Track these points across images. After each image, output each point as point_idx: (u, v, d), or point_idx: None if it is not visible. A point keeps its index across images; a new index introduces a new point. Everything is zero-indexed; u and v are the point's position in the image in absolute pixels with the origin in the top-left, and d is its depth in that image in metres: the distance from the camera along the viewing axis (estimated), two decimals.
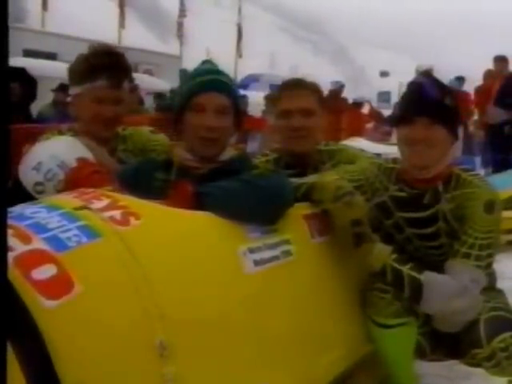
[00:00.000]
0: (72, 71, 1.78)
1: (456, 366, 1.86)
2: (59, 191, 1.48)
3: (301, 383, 1.37)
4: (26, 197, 1.45)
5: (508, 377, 1.53)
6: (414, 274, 1.50)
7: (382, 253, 1.52)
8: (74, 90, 1.78)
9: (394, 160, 1.67)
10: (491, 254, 1.50)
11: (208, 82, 1.48)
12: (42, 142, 1.66)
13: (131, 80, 1.87)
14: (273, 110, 1.93)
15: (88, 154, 1.59)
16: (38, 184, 1.53)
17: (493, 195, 1.53)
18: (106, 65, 1.73)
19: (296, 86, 1.85)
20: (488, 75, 6.92)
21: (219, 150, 1.49)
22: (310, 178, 1.59)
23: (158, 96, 8.22)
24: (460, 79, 7.78)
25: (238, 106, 1.54)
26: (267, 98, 7.20)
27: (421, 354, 1.64)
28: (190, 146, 1.49)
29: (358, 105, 9.11)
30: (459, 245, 1.50)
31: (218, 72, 1.52)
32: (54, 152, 1.56)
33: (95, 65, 1.72)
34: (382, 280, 1.53)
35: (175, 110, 1.52)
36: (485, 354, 1.46)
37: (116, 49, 1.85)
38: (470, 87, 7.66)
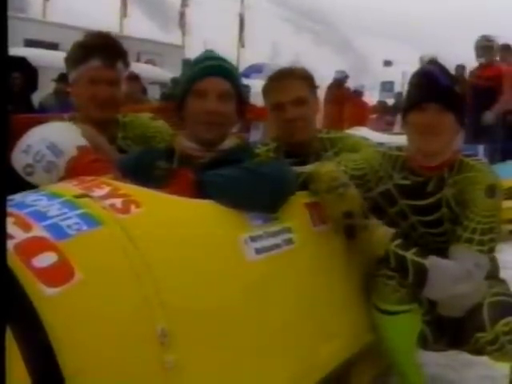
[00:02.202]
0: (68, 58, 1.80)
1: (459, 355, 1.86)
2: (48, 172, 1.47)
3: (302, 371, 1.37)
4: (19, 183, 1.45)
5: (511, 361, 1.53)
6: (418, 259, 1.50)
7: (382, 238, 1.52)
8: (71, 76, 1.79)
9: (399, 148, 1.67)
10: (493, 239, 1.50)
11: (210, 67, 1.47)
12: (34, 127, 1.66)
13: (127, 64, 1.86)
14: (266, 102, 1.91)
15: (81, 139, 1.58)
16: (27, 166, 1.53)
17: (494, 179, 1.53)
18: (98, 45, 1.74)
19: (284, 77, 1.82)
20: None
21: (221, 136, 1.48)
22: (309, 167, 1.59)
23: (164, 86, 8.20)
24: (461, 67, 7.72)
25: (240, 93, 1.52)
26: None
27: (424, 343, 1.64)
28: (192, 131, 1.49)
29: (358, 93, 9.06)
30: (461, 230, 1.50)
31: (220, 58, 1.51)
32: (43, 134, 1.56)
33: (88, 46, 1.74)
34: (387, 266, 1.53)
35: (177, 96, 1.51)
36: (488, 337, 1.47)
37: (110, 34, 1.85)
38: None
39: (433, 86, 1.51)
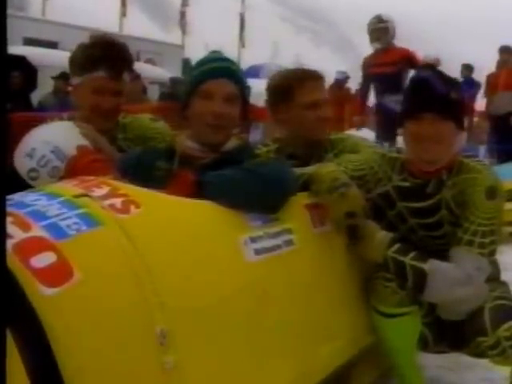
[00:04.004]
0: (72, 61, 1.78)
1: (459, 358, 1.85)
2: (53, 177, 1.47)
3: (301, 373, 1.36)
4: (22, 184, 1.44)
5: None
6: (416, 263, 1.49)
7: (380, 245, 1.52)
8: (74, 80, 1.77)
9: (398, 150, 1.67)
10: (494, 241, 1.49)
11: (217, 68, 1.46)
12: (35, 128, 1.65)
13: (132, 71, 1.85)
14: (281, 101, 1.88)
15: (83, 140, 1.58)
16: (31, 170, 1.52)
17: (494, 181, 1.53)
18: (105, 56, 1.71)
19: (315, 77, 1.85)
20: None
21: (225, 138, 1.48)
22: (310, 169, 1.58)
23: (163, 85, 8.19)
24: (468, 67, 7.68)
25: (245, 96, 1.52)
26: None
27: (424, 345, 1.64)
28: (195, 133, 1.48)
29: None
30: (462, 232, 1.50)
31: (228, 60, 1.51)
32: (47, 138, 1.55)
33: (95, 56, 1.71)
34: (386, 269, 1.53)
35: (182, 95, 1.51)
36: (489, 342, 1.46)
37: (117, 39, 1.83)
38: (477, 75, 7.57)
39: (428, 94, 1.49)
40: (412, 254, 1.50)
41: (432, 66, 1.63)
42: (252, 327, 1.23)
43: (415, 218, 1.60)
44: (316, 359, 1.41)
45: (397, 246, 1.52)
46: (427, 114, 1.49)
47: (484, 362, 1.59)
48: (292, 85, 1.83)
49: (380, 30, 4.90)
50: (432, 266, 1.48)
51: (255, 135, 6.15)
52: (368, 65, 5.19)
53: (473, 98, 7.60)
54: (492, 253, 1.50)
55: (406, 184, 1.60)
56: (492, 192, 1.49)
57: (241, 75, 1.53)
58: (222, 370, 1.15)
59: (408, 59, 4.91)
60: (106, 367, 0.96)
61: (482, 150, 7.14)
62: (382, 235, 1.53)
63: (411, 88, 1.58)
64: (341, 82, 8.27)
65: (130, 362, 1.00)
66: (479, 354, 1.53)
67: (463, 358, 1.77)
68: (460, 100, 1.54)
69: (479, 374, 1.95)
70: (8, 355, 0.75)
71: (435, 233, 1.59)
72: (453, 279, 1.45)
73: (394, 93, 4.65)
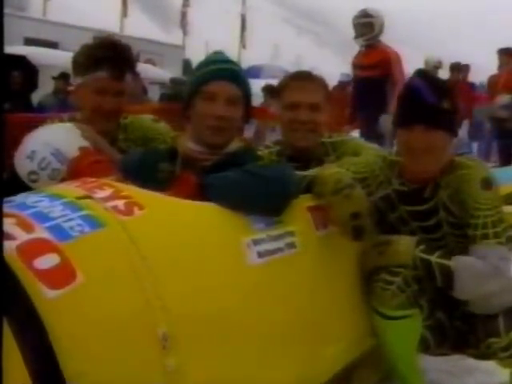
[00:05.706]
0: (75, 61, 1.78)
1: (460, 362, 1.85)
2: (53, 179, 1.46)
3: (304, 375, 1.36)
4: (23, 187, 1.44)
5: None
6: (442, 261, 1.49)
7: (409, 247, 1.52)
8: (76, 80, 1.77)
9: (398, 153, 1.67)
10: (506, 228, 1.49)
11: (221, 70, 1.46)
12: (36, 130, 1.64)
13: (135, 73, 1.85)
14: (276, 100, 1.90)
15: (84, 142, 1.57)
16: (31, 173, 1.52)
17: (486, 172, 1.54)
18: (109, 56, 1.71)
19: (306, 79, 1.82)
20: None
21: (226, 140, 1.47)
22: (312, 171, 1.58)
23: (163, 86, 8.19)
24: (465, 66, 7.66)
25: (248, 98, 1.52)
26: (266, 89, 7.16)
27: (425, 347, 1.64)
28: (196, 134, 1.48)
29: None
30: (472, 230, 1.49)
31: (231, 61, 1.51)
32: (47, 140, 1.55)
33: (98, 56, 1.71)
34: (386, 271, 1.53)
35: (185, 96, 1.50)
36: (502, 343, 1.47)
37: (120, 40, 1.83)
38: (475, 76, 7.58)
39: (418, 105, 1.49)
40: (437, 253, 1.51)
41: (424, 73, 1.60)
42: (254, 330, 1.23)
43: (416, 221, 1.61)
44: (318, 362, 1.41)
45: (422, 246, 1.53)
46: (418, 125, 1.49)
47: (484, 366, 1.59)
48: (282, 84, 1.85)
49: (364, 25, 4.44)
50: (457, 262, 1.48)
51: (248, 133, 6.15)
52: (355, 66, 4.82)
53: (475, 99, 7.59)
54: (509, 240, 1.50)
55: (405, 188, 1.61)
56: (487, 183, 1.50)
57: (243, 77, 1.53)
58: (224, 372, 1.15)
59: (387, 64, 4.42)
60: (108, 369, 0.96)
61: (475, 146, 7.14)
62: (407, 238, 1.54)
63: (402, 97, 1.58)
64: (344, 84, 8.27)
65: (132, 364, 1.00)
66: (485, 355, 1.54)
67: (464, 362, 1.77)
68: (453, 108, 1.53)
69: (479, 378, 1.95)
70: (10, 357, 0.75)
71: (434, 235, 1.60)
72: (480, 273, 1.45)
73: (378, 106, 4.27)
